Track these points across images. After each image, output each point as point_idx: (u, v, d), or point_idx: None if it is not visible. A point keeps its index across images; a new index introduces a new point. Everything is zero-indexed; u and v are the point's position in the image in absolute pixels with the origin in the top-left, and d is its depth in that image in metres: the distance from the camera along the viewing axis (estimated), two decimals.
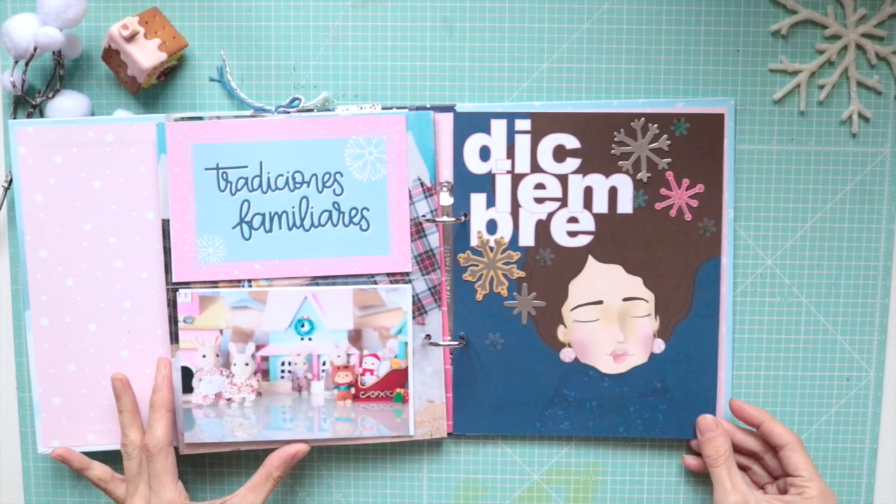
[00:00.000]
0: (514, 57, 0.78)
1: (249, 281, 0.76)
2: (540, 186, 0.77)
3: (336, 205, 0.76)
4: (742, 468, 0.78)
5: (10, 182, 0.78)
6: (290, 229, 0.76)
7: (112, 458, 0.80)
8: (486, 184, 0.77)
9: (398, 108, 0.77)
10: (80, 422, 0.77)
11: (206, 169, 0.75)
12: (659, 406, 0.79)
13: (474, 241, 0.78)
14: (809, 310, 0.80)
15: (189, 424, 0.77)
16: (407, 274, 0.77)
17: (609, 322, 0.78)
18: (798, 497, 0.74)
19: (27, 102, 0.77)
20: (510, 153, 0.77)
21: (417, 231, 0.77)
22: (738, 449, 0.78)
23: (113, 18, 0.77)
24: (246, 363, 0.77)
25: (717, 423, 0.77)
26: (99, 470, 0.77)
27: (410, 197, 0.76)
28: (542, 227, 0.78)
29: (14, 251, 0.80)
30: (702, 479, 0.81)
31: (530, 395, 0.79)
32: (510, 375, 0.79)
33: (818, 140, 0.78)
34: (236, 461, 0.81)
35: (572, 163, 0.77)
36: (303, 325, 0.77)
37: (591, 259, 0.78)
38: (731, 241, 0.78)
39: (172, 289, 0.76)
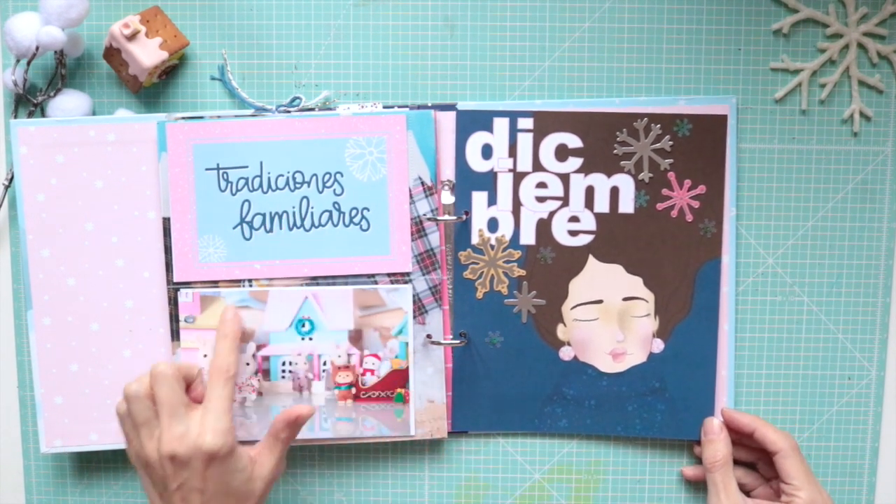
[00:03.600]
0: (515, 55, 0.78)
1: (250, 281, 0.76)
2: (542, 185, 0.77)
3: (336, 205, 0.76)
4: (752, 463, 0.79)
5: (11, 179, 0.78)
6: (290, 229, 0.76)
7: (115, 458, 0.81)
8: (487, 182, 0.77)
9: (399, 106, 0.77)
10: (83, 421, 0.78)
11: (207, 169, 0.75)
12: (657, 406, 0.79)
13: (475, 239, 0.78)
14: (811, 308, 0.80)
15: None
16: (407, 274, 0.77)
17: (608, 321, 0.78)
18: None
19: (29, 101, 0.77)
20: (512, 151, 0.77)
21: (418, 230, 0.77)
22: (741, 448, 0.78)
23: (114, 17, 0.77)
24: (247, 363, 0.77)
25: (722, 429, 0.76)
26: None
27: (411, 196, 0.76)
28: (544, 226, 0.78)
29: (15, 250, 0.80)
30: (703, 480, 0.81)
31: (529, 393, 0.79)
32: (509, 373, 0.79)
33: (819, 139, 0.78)
34: None
35: (574, 162, 0.77)
36: (303, 325, 0.77)
37: (591, 258, 0.78)
38: (733, 240, 0.78)
39: (174, 288, 0.76)
